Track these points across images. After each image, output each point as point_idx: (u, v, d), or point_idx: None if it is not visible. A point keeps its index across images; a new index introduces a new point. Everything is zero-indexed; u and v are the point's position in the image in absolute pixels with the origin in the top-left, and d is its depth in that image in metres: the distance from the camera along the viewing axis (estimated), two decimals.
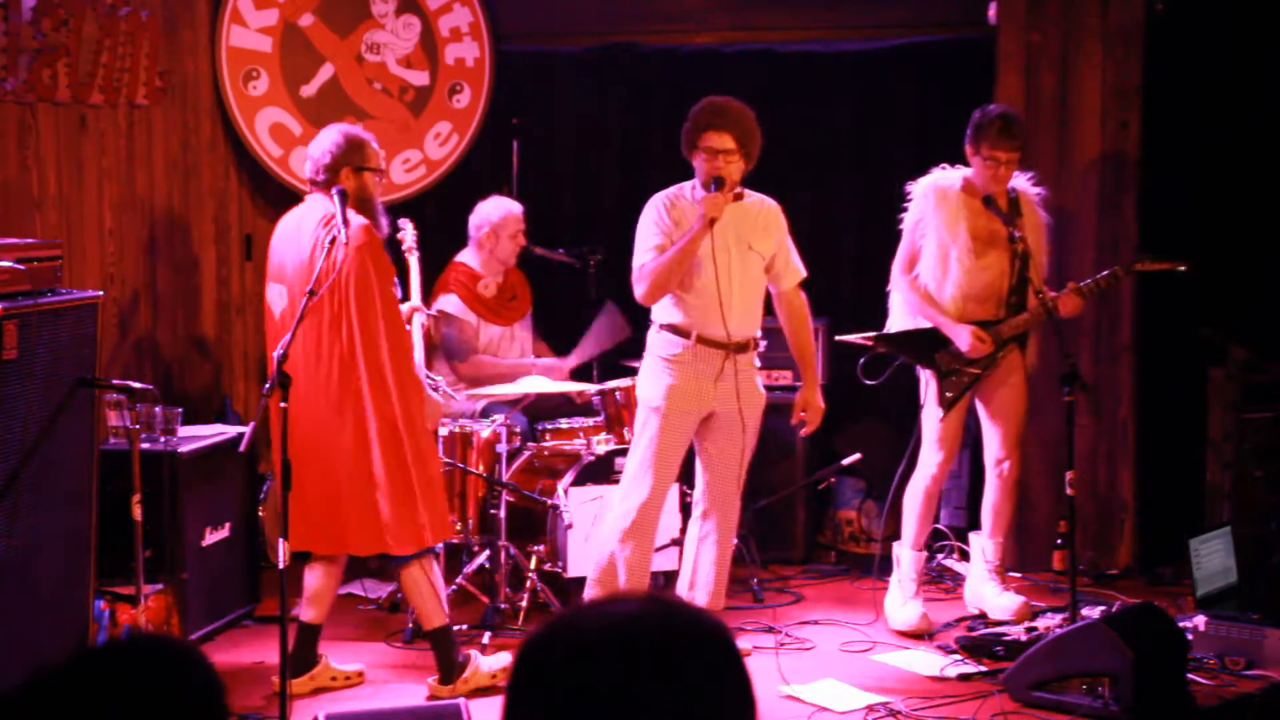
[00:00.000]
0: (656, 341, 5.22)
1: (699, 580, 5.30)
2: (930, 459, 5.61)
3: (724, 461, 5.21)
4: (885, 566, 5.80)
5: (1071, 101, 6.33)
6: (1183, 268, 5.51)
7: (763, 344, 7.02)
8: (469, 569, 5.73)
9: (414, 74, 6.86)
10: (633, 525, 5.13)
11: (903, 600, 5.62)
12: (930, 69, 6.84)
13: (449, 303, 6.24)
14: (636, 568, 5.16)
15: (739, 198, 5.15)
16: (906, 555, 5.67)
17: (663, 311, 5.20)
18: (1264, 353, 6.11)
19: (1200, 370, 6.27)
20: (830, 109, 7.09)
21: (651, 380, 5.18)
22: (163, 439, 5.38)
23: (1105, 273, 5.55)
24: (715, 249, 5.04)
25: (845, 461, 6.49)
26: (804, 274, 5.40)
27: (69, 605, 4.63)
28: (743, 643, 5.52)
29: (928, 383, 5.63)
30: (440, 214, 6.92)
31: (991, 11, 6.41)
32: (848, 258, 7.08)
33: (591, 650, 1.54)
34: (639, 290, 5.14)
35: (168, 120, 6.29)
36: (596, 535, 5.34)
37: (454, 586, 5.66)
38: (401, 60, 6.83)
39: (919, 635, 5.50)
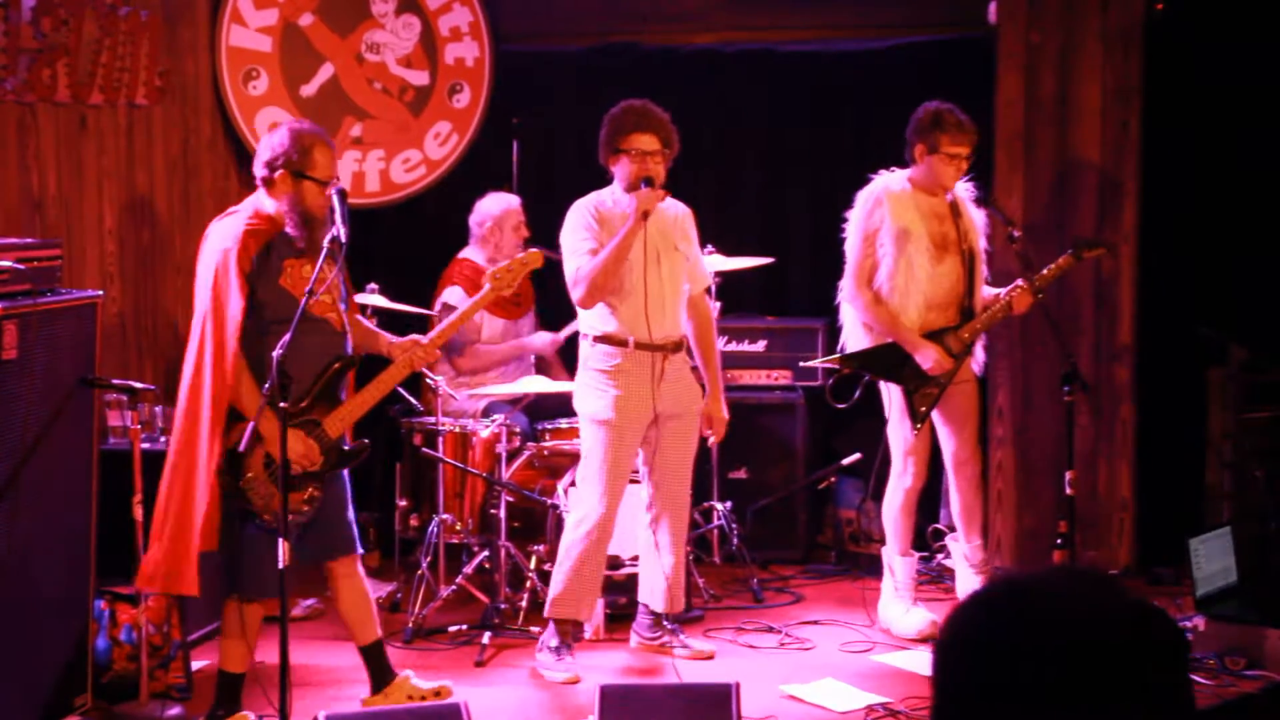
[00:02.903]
0: (593, 355, 5.21)
1: (655, 585, 5.31)
2: (904, 470, 5.57)
3: (673, 462, 5.25)
4: (879, 568, 5.79)
5: (1071, 101, 6.33)
6: (1108, 247, 5.78)
7: (762, 343, 7.03)
8: (469, 569, 5.73)
9: (414, 74, 6.85)
10: (591, 539, 5.15)
11: (905, 609, 5.59)
12: (930, 69, 6.83)
13: (452, 295, 6.23)
14: (593, 579, 5.20)
15: (663, 197, 5.16)
16: (898, 562, 5.64)
17: (596, 322, 5.20)
18: (1264, 353, 6.10)
19: (1200, 370, 6.26)
20: (830, 109, 7.09)
21: (594, 394, 5.17)
22: (163, 439, 5.37)
23: (1053, 264, 5.49)
24: (645, 250, 5.09)
25: (845, 461, 6.49)
26: (710, 280, 5.49)
27: (69, 605, 4.63)
28: (746, 640, 5.53)
29: (891, 397, 5.56)
30: (440, 214, 6.92)
31: (991, 11, 6.40)
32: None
33: (1046, 631, 1.42)
34: (578, 294, 5.13)
35: (168, 120, 6.29)
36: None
37: (454, 586, 5.66)
38: (401, 60, 6.83)
39: (928, 640, 5.46)
